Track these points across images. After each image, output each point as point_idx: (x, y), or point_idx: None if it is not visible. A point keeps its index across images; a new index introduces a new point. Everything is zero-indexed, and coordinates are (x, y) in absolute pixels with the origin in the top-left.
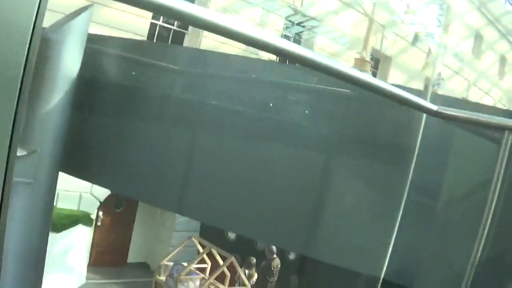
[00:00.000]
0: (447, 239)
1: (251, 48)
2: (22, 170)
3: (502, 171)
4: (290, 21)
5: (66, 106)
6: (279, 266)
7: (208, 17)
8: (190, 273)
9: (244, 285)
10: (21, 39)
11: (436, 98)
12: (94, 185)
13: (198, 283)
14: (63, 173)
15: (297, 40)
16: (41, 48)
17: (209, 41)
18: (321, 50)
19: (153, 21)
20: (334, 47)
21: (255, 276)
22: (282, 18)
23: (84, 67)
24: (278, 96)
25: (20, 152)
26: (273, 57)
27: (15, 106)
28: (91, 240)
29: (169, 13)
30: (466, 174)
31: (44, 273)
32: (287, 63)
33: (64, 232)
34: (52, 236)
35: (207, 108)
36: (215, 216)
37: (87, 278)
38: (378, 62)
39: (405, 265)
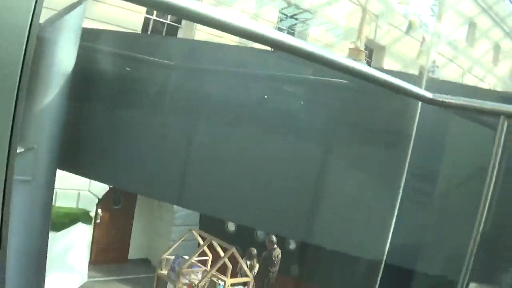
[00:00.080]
0: (446, 222)
1: (244, 41)
2: (20, 168)
3: (499, 155)
4: (283, 14)
5: (62, 102)
6: (280, 256)
7: (202, 10)
8: (191, 266)
9: (246, 275)
10: (18, 37)
11: (432, 83)
12: (92, 182)
13: (200, 275)
14: (61, 172)
15: (290, 32)
16: (36, 44)
17: (202, 35)
18: (315, 42)
19: (147, 15)
20: (328, 39)
21: (257, 266)
22: (275, 11)
23: (79, 62)
24: (275, 86)
25: (17, 150)
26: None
27: (13, 104)
28: (91, 238)
29: (163, 7)
30: (463, 159)
31: (46, 272)
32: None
33: (64, 231)
34: (52, 235)
35: (205, 98)
36: (215, 206)
37: (89, 276)
38: (372, 52)
39: (406, 248)
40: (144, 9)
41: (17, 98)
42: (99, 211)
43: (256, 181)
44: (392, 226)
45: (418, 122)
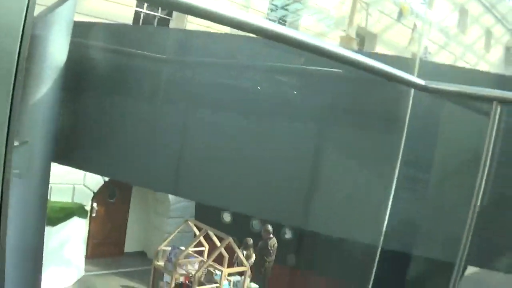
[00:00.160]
0: (442, 206)
1: (235, 32)
2: (15, 161)
3: (492, 140)
4: (274, 4)
5: (56, 95)
6: (276, 245)
7: (192, 1)
8: (188, 256)
9: (243, 265)
10: (13, 35)
11: (425, 66)
12: (86, 176)
13: (196, 266)
14: (55, 166)
15: (282, 23)
16: None
17: (194, 27)
18: (307, 32)
19: (137, 9)
20: (320, 28)
21: (253, 256)
22: (265, 2)
23: (72, 55)
24: (268, 74)
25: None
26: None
27: (10, 100)
28: (87, 232)
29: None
30: (458, 144)
31: (43, 267)
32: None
33: (59, 226)
34: (47, 230)
35: (198, 87)
36: (211, 195)
37: (86, 270)
38: (364, 40)
39: (403, 232)
40: (134, 2)
41: (13, 94)
42: (95, 205)
43: (251, 168)
44: (388, 211)
45: (412, 107)
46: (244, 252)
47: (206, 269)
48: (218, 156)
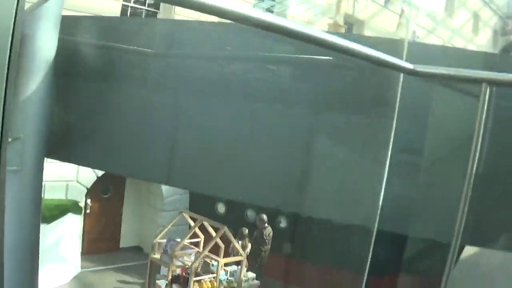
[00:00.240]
0: (435, 187)
1: (224, 21)
2: (8, 158)
3: (483, 121)
4: None
5: (46, 90)
6: (271, 234)
7: None
8: (184, 248)
9: (239, 255)
10: (3, 31)
11: (414, 47)
12: (79, 172)
13: (193, 257)
14: (48, 164)
15: None
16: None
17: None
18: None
19: (125, 3)
20: (307, 17)
21: (249, 246)
22: None
23: (61, 49)
24: (260, 62)
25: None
26: None
27: (3, 96)
28: (82, 229)
29: None
30: (448, 127)
31: (39, 265)
32: None
33: (54, 223)
34: (43, 228)
35: (189, 76)
36: (205, 183)
37: (82, 267)
38: (352, 27)
39: (397, 214)
40: None
41: (5, 90)
42: (88, 201)
43: (245, 155)
44: (382, 194)
45: (403, 89)
46: (240, 242)
47: (203, 260)
48: (211, 145)
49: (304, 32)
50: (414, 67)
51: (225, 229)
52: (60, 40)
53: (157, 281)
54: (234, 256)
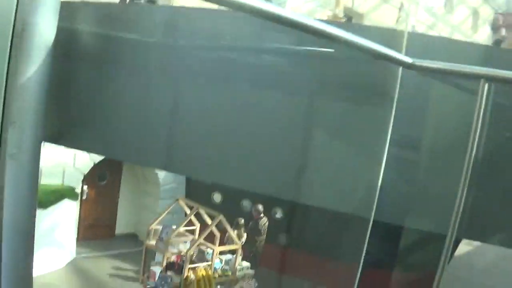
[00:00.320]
0: (433, 178)
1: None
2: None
3: (480, 116)
4: None
5: (45, 74)
6: (266, 224)
7: None
8: (179, 235)
9: (235, 243)
10: (6, 15)
11: (415, 38)
12: (76, 159)
13: (188, 244)
14: (45, 149)
15: None
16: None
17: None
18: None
19: None
20: (307, 8)
21: (244, 236)
22: None
23: (60, 34)
24: (260, 48)
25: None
26: None
27: (5, 78)
28: (78, 215)
29: None
30: (448, 118)
31: (35, 249)
32: None
33: (50, 208)
34: (39, 213)
35: (189, 62)
36: (203, 169)
37: (77, 253)
38: (351, 20)
39: (394, 205)
40: None
41: (7, 73)
42: (85, 187)
43: (244, 143)
44: (379, 184)
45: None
46: (235, 232)
47: (198, 248)
48: (210, 131)
49: (304, 22)
50: (413, 61)
51: (221, 217)
52: (59, 26)
53: (151, 267)
54: (229, 244)
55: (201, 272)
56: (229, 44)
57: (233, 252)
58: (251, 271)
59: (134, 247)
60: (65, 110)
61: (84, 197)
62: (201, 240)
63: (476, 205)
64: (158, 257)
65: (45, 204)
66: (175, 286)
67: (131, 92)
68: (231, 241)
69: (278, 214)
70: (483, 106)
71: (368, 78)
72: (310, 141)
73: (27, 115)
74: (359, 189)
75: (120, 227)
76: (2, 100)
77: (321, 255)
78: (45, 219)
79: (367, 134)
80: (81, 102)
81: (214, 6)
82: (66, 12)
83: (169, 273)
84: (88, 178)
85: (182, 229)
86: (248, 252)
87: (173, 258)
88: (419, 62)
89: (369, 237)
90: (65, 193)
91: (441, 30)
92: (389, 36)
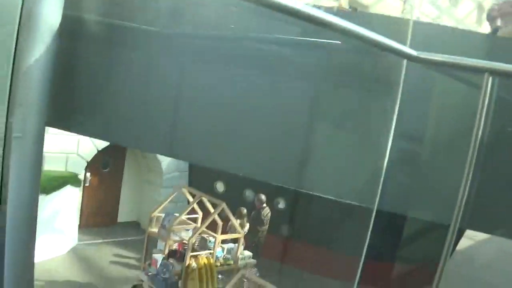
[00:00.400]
0: (436, 169)
1: None
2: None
3: (484, 109)
4: None
5: (50, 58)
6: (269, 215)
7: None
8: (182, 223)
9: (237, 231)
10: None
11: (420, 27)
12: (80, 145)
13: (191, 232)
14: (49, 135)
15: None
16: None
17: None
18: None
19: None
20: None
21: (247, 226)
22: None
23: (65, 18)
24: (268, 33)
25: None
26: None
27: (12, 63)
28: (80, 202)
29: None
30: (452, 110)
31: (37, 234)
32: None
33: (53, 194)
34: (41, 198)
35: (192, 46)
36: (208, 155)
37: (79, 240)
38: (356, 11)
39: (398, 195)
40: None
41: (14, 58)
42: (88, 174)
43: (248, 129)
44: (383, 174)
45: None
46: (238, 221)
47: (200, 236)
48: (214, 117)
49: (309, 13)
50: (418, 54)
51: (224, 205)
52: (64, 10)
53: (153, 255)
54: (231, 233)
55: (203, 260)
56: (235, 29)
57: (235, 241)
58: (253, 261)
59: (136, 235)
60: (69, 95)
61: (86, 184)
62: (204, 228)
63: (479, 196)
64: (160, 244)
65: (47, 190)
66: (177, 273)
67: (136, 77)
68: (234, 230)
69: (281, 205)
70: (487, 99)
71: (374, 69)
72: (315, 130)
73: (32, 98)
74: (363, 178)
75: (122, 215)
76: (9, 84)
77: (323, 246)
78: (47, 205)
79: (371, 124)
80: (85, 87)
81: None
82: None
83: (171, 260)
84: (91, 165)
85: (184, 217)
86: (250, 242)
87: (175, 246)
88: (424, 55)
89: (372, 229)
90: (68, 179)
91: (446, 23)
92: (394, 24)
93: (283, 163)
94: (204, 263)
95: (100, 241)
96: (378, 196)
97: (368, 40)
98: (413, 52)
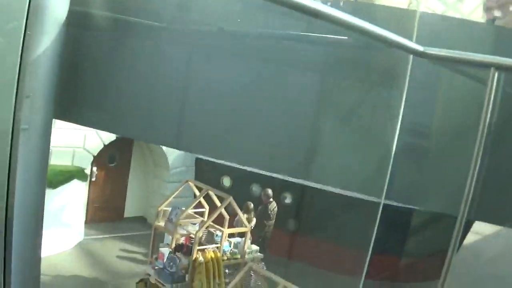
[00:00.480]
0: (443, 162)
1: None
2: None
3: (490, 104)
4: None
5: (57, 50)
6: (275, 209)
7: None
8: (188, 217)
9: (244, 225)
10: None
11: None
12: (86, 139)
13: (197, 227)
14: (55, 129)
15: None
16: None
17: None
18: None
19: None
20: None
21: (254, 220)
22: None
23: (73, 8)
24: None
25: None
26: None
27: (19, 55)
28: (87, 197)
29: None
30: (458, 104)
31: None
32: None
33: (60, 188)
34: (48, 192)
35: (199, 38)
36: (215, 147)
37: (85, 234)
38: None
39: (405, 188)
40: None
41: (22, 49)
42: (94, 169)
43: (256, 122)
44: (390, 167)
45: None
46: (245, 216)
47: (207, 230)
48: (221, 110)
49: (314, 7)
50: (424, 49)
51: (231, 199)
52: (71, 2)
53: (160, 249)
54: (238, 227)
55: (210, 254)
56: (242, 23)
57: (242, 235)
58: (260, 255)
59: (142, 229)
60: (76, 87)
61: (93, 179)
62: (210, 222)
63: (486, 187)
64: (166, 238)
65: (54, 184)
66: (184, 267)
67: (143, 69)
68: (241, 224)
69: (288, 199)
70: (493, 94)
71: (380, 62)
72: (322, 123)
73: (40, 90)
74: (370, 170)
75: (129, 210)
76: (17, 75)
77: (330, 241)
78: (54, 199)
79: (378, 116)
80: (92, 79)
81: None
82: None
83: (177, 254)
84: (97, 160)
85: (191, 211)
86: (257, 237)
87: (182, 240)
88: (430, 50)
89: (380, 225)
90: (74, 173)
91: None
92: (400, 16)
93: (290, 155)
94: (211, 257)
95: (106, 236)
96: (386, 188)
97: (375, 35)
98: (420, 48)
